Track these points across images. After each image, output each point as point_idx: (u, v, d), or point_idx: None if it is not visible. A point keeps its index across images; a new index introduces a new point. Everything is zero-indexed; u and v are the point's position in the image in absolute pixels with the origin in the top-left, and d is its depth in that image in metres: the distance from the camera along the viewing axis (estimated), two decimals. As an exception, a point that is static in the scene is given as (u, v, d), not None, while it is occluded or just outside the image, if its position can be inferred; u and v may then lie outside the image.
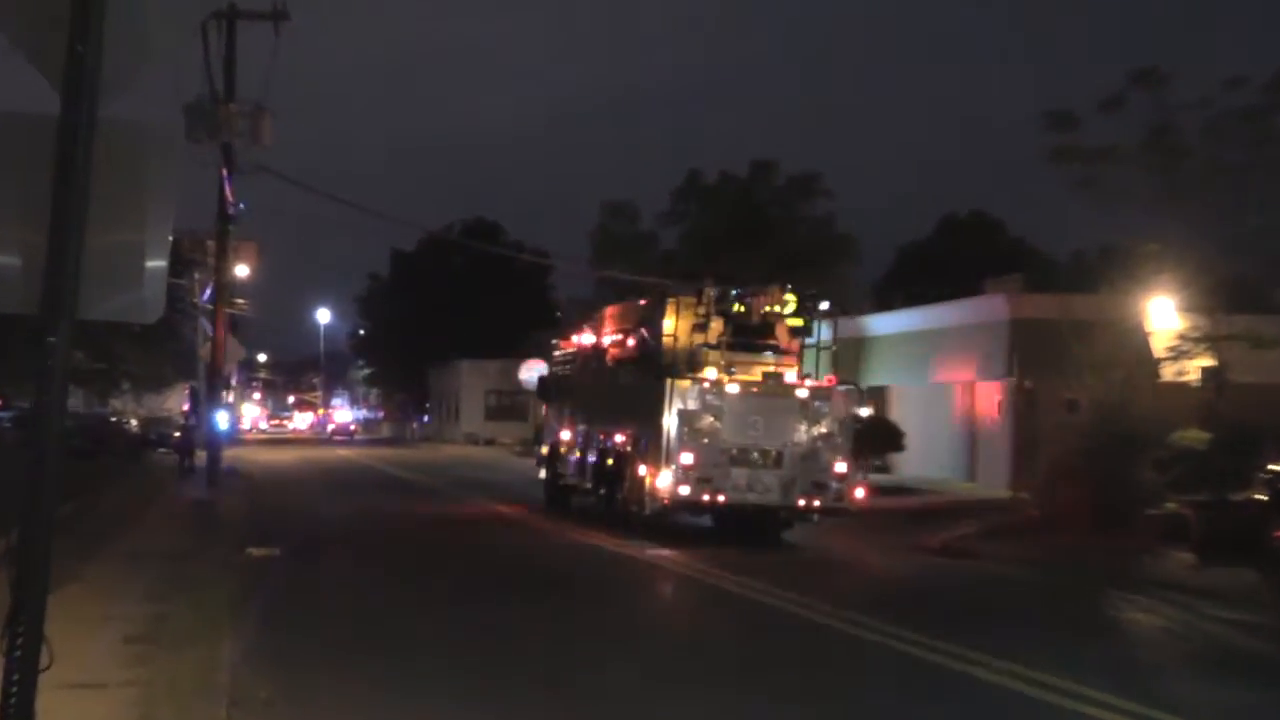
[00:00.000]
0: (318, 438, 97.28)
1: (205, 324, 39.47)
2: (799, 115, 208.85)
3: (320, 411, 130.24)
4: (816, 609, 14.12)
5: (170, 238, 4.75)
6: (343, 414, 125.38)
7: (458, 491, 34.07)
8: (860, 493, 22.13)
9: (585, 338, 27.52)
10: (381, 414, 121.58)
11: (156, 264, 4.68)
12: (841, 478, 21.72)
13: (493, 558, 19.96)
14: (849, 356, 40.60)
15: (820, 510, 21.94)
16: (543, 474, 28.82)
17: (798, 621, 13.69)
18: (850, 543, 22.74)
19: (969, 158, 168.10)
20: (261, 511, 26.34)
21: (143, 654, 9.94)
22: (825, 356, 23.42)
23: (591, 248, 61.50)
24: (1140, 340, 25.69)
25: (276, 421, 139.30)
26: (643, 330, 23.91)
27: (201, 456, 34.07)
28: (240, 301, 59.02)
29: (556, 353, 30.09)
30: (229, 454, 37.68)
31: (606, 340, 25.94)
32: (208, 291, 40.06)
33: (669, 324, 22.90)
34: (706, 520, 23.31)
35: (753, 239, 52.75)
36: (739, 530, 22.35)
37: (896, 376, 39.15)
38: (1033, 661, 11.06)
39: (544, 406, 30.18)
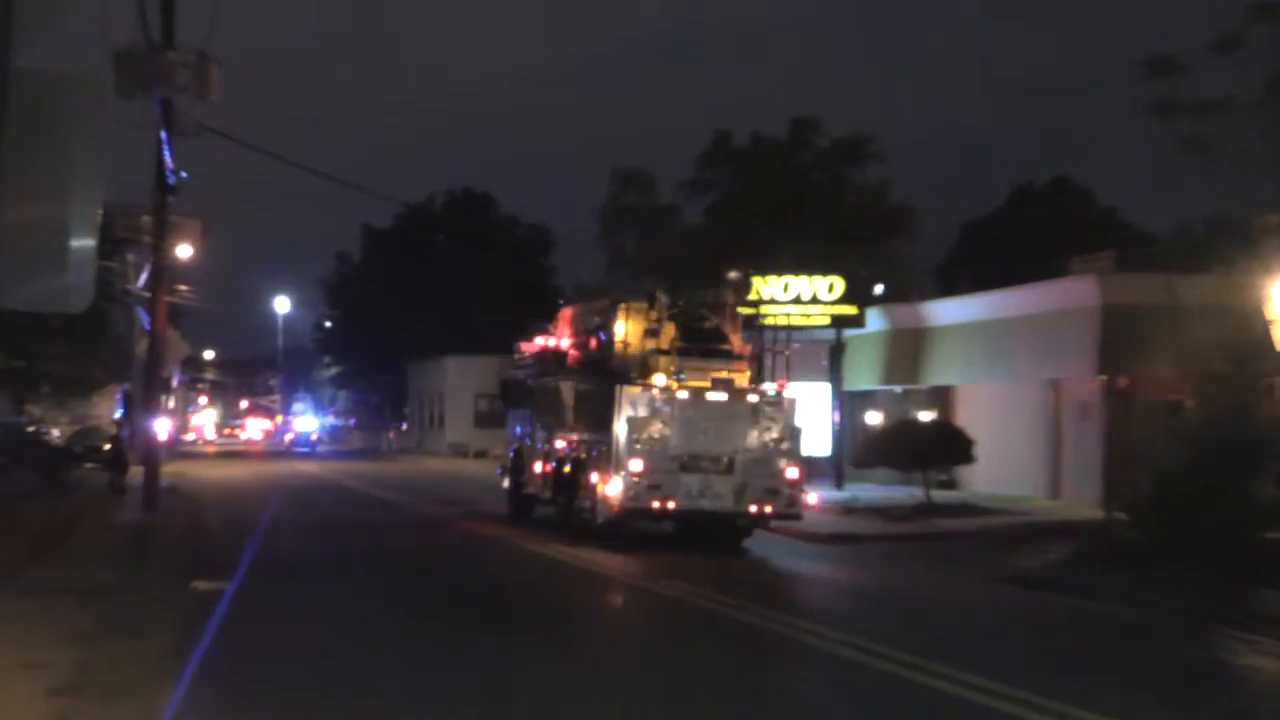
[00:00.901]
0: (276, 449, 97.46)
1: (141, 315, 39.53)
2: (844, 69, 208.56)
3: (279, 419, 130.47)
4: (867, 648, 14.05)
5: (100, 212, 4.68)
6: (305, 421, 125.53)
7: (431, 508, 35.53)
8: (812, 499, 25.89)
9: (546, 341, 30.72)
10: (352, 421, 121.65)
11: (83, 243, 4.61)
12: (794, 483, 24.90)
13: (458, 581, 20.40)
14: (906, 350, 40.67)
15: (772, 516, 24.99)
16: (506, 483, 32.04)
17: (839, 662, 13.64)
18: (907, 570, 22.70)
19: (1050, 116, 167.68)
20: (208, 538, 26.36)
21: (67, 709, 9.93)
22: (780, 361, 27.73)
23: (601, 223, 61.48)
24: (1260, 330, 25.53)
25: (228, 430, 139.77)
26: (597, 335, 27.28)
27: (137, 473, 34.13)
28: (183, 288, 59.21)
29: (518, 356, 33.29)
30: (169, 469, 37.79)
31: (564, 345, 29.39)
32: (144, 276, 40.13)
33: (620, 330, 26.32)
34: (668, 527, 26.08)
35: (792, 211, 52.69)
36: (699, 538, 25.08)
37: (964, 374, 39.08)
38: (1133, 717, 10.97)
39: (508, 413, 33.89)
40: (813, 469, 41.12)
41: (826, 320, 39.43)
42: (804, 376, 40.07)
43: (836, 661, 13.98)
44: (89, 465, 47.25)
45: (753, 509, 24.69)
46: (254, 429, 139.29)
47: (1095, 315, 32.64)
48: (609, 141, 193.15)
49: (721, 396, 25.03)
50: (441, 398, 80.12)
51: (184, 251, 40.20)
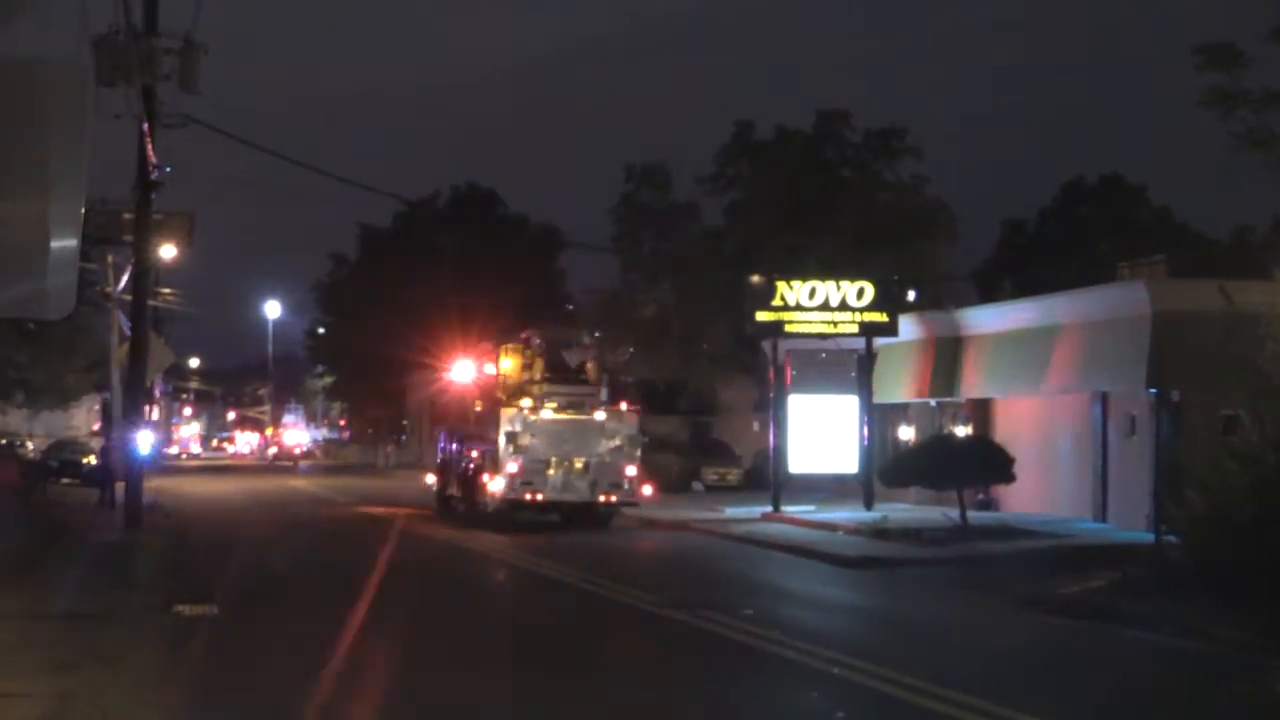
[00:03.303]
0: (265, 464, 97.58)
1: (122, 320, 39.58)
2: (876, 58, 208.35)
3: (269, 431, 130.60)
4: (893, 679, 14.03)
5: (82, 210, 4.61)
6: (295, 434, 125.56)
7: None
8: (648, 490, 37.13)
9: (464, 371, 42.65)
10: (347, 434, 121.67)
11: (64, 244, 4.54)
12: (632, 479, 35.61)
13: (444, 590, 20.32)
14: (941, 361, 40.61)
15: (617, 504, 35.76)
16: (435, 487, 42.37)
17: (863, 693, 13.62)
18: (940, 597, 22.67)
19: (1099, 109, 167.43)
20: (192, 558, 26.40)
21: (44, 742, 9.94)
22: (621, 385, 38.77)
23: (614, 223, 61.49)
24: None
25: (214, 444, 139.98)
26: (489, 368, 39.21)
27: (117, 489, 34.19)
28: (166, 292, 59.45)
29: (444, 384, 46.44)
30: (152, 485, 37.77)
31: (472, 374, 41.34)
32: (125, 279, 40.20)
33: (504, 364, 37.96)
34: (555, 517, 36.05)
35: (819, 210, 52.68)
36: (572, 521, 35.51)
37: (1003, 386, 38.99)
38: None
39: (438, 430, 45.44)
40: (840, 488, 41.38)
41: (855, 328, 39.35)
42: (831, 388, 40.16)
43: (860, 693, 13.96)
44: (66, 481, 47.39)
45: (602, 499, 35.38)
46: (243, 442, 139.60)
47: (1146, 323, 32.54)
48: (621, 135, 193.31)
49: (577, 415, 35.62)
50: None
51: (168, 252, 40.26)
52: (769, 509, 37.92)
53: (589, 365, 37.62)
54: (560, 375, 36.94)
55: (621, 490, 35.42)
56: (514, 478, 34.81)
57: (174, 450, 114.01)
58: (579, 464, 35.09)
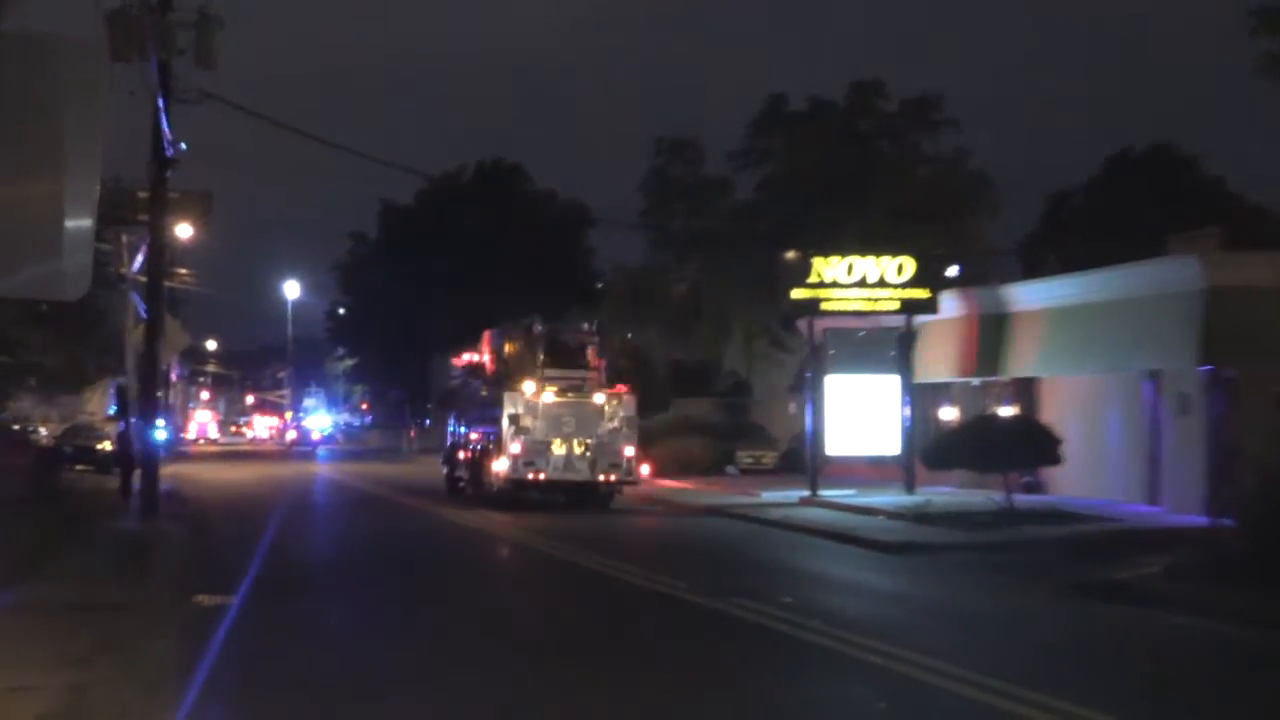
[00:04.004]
0: (284, 449, 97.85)
1: (137, 302, 39.68)
2: (911, 26, 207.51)
3: (289, 415, 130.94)
4: (934, 667, 13.99)
5: (98, 189, 4.60)
6: (317, 418, 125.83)
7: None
8: (645, 469, 41.62)
9: (470, 357, 44.55)
10: (369, 418, 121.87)
11: (79, 224, 4.53)
12: (630, 459, 38.20)
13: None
14: (985, 338, 40.47)
15: (616, 482, 38.25)
16: (444, 470, 46.00)
17: (905, 681, 13.59)
18: (984, 583, 22.61)
19: (1149, 77, 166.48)
20: (211, 547, 26.50)
21: (61, 738, 9.97)
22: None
23: (644, 199, 61.43)
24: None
25: (233, 428, 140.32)
26: (493, 353, 41.54)
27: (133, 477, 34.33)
28: (183, 272, 59.60)
29: (452, 370, 49.05)
30: (169, 472, 37.96)
31: (476, 360, 43.47)
32: (140, 259, 40.31)
33: (508, 350, 40.63)
34: (560, 498, 38.55)
35: (856, 184, 52.55)
36: (573, 501, 38.13)
37: (1049, 364, 38.84)
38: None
39: (447, 415, 48.88)
40: (880, 471, 41.29)
41: (895, 305, 39.25)
42: (870, 368, 40.05)
43: (903, 682, 13.93)
44: (80, 467, 47.54)
45: (602, 478, 37.90)
46: (262, 427, 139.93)
47: (1199, 299, 32.36)
48: (650, 109, 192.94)
49: (577, 397, 38.19)
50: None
51: (184, 231, 40.48)
52: (806, 493, 37.88)
53: (588, 350, 40.28)
54: (560, 360, 39.58)
55: (620, 469, 38.03)
56: (517, 458, 37.41)
57: (191, 435, 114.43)
58: (579, 445, 37.69)
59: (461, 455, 43.59)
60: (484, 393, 41.61)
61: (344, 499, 45.59)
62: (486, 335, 42.91)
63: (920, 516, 31.54)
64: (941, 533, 29.21)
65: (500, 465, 37.93)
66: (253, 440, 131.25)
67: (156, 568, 21.90)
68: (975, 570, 24.30)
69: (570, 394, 38.29)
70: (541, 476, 37.72)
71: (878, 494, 37.24)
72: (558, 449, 37.61)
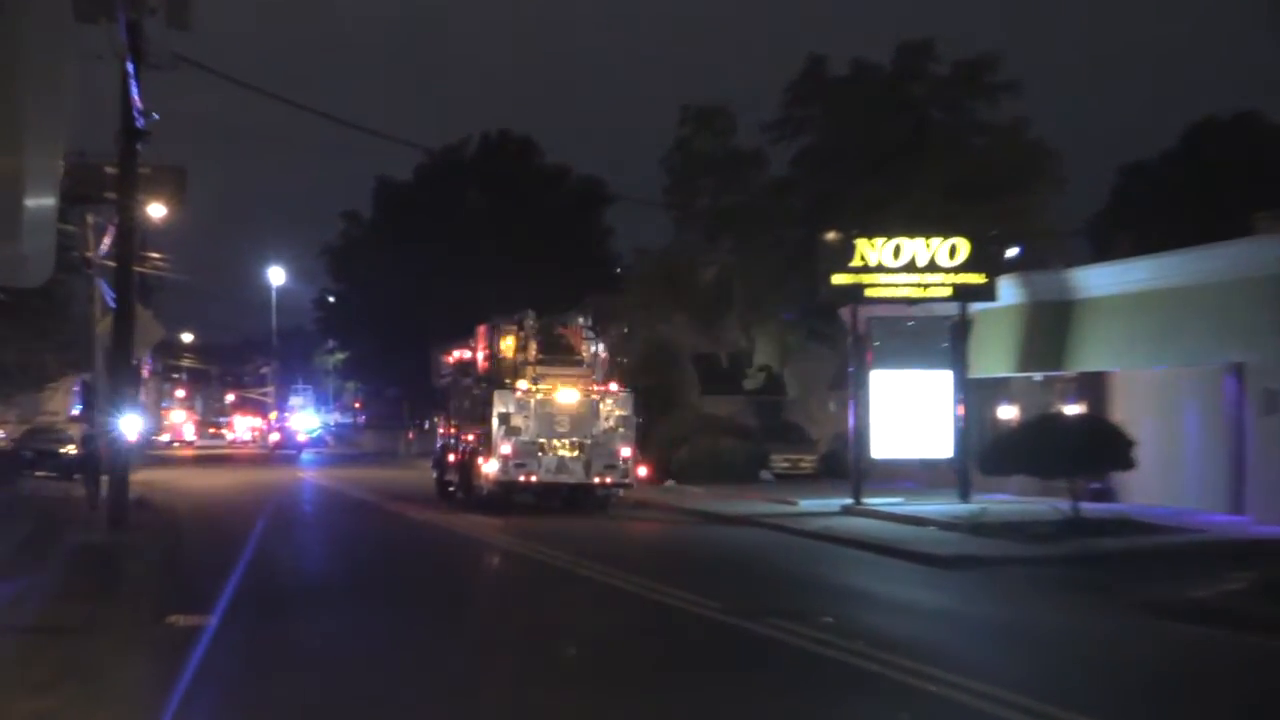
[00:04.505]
0: (268, 453, 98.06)
1: (105, 289, 39.77)
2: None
3: (273, 415, 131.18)
4: (1001, 699, 13.98)
5: (61, 165, 4.62)
6: (304, 419, 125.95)
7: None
8: (642, 470, 43.76)
9: (461, 353, 46.52)
10: (362, 418, 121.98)
11: (41, 203, 4.54)
12: (627, 460, 40.13)
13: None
14: (1048, 328, 40.41)
15: (612, 485, 40.23)
16: (434, 473, 48.08)
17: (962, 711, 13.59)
18: (1047, 601, 22.58)
19: (1234, 36, 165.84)
20: (186, 561, 26.58)
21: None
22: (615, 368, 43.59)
23: (667, 174, 61.37)
24: None
25: (211, 429, 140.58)
26: (485, 349, 43.16)
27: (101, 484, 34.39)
28: (155, 256, 59.65)
29: (442, 367, 50.04)
30: (140, 478, 38.02)
31: (467, 357, 45.37)
32: (107, 242, 40.39)
33: (499, 345, 42.05)
34: (557, 503, 40.58)
35: (904, 156, 52.44)
36: (568, 505, 40.28)
37: (1121, 357, 38.81)
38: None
39: (436, 416, 51.69)
40: (933, 476, 41.28)
41: (948, 292, 39.18)
42: (920, 361, 39.97)
43: (960, 713, 13.93)
44: (41, 474, 47.69)
45: (597, 480, 39.85)
46: (243, 428, 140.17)
47: (1286, 283, 32.36)
48: (674, 75, 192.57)
49: (571, 395, 40.08)
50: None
51: (157, 211, 40.36)
52: (849, 501, 37.89)
53: (583, 346, 42.34)
54: (554, 356, 41.64)
55: (616, 471, 40.04)
56: (507, 460, 39.38)
57: (164, 438, 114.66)
58: (573, 446, 39.71)
59: (452, 457, 45.30)
60: (474, 391, 43.59)
61: (329, 506, 46.55)
62: (480, 330, 44.47)
63: (976, 527, 31.51)
64: (999, 545, 29.18)
65: (490, 467, 39.74)
66: (233, 442, 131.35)
67: (126, 585, 21.96)
68: (1038, 587, 24.26)
69: (564, 392, 40.21)
70: (533, 479, 39.67)
71: (928, 502, 37.24)
72: (550, 450, 39.55)
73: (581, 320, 43.52)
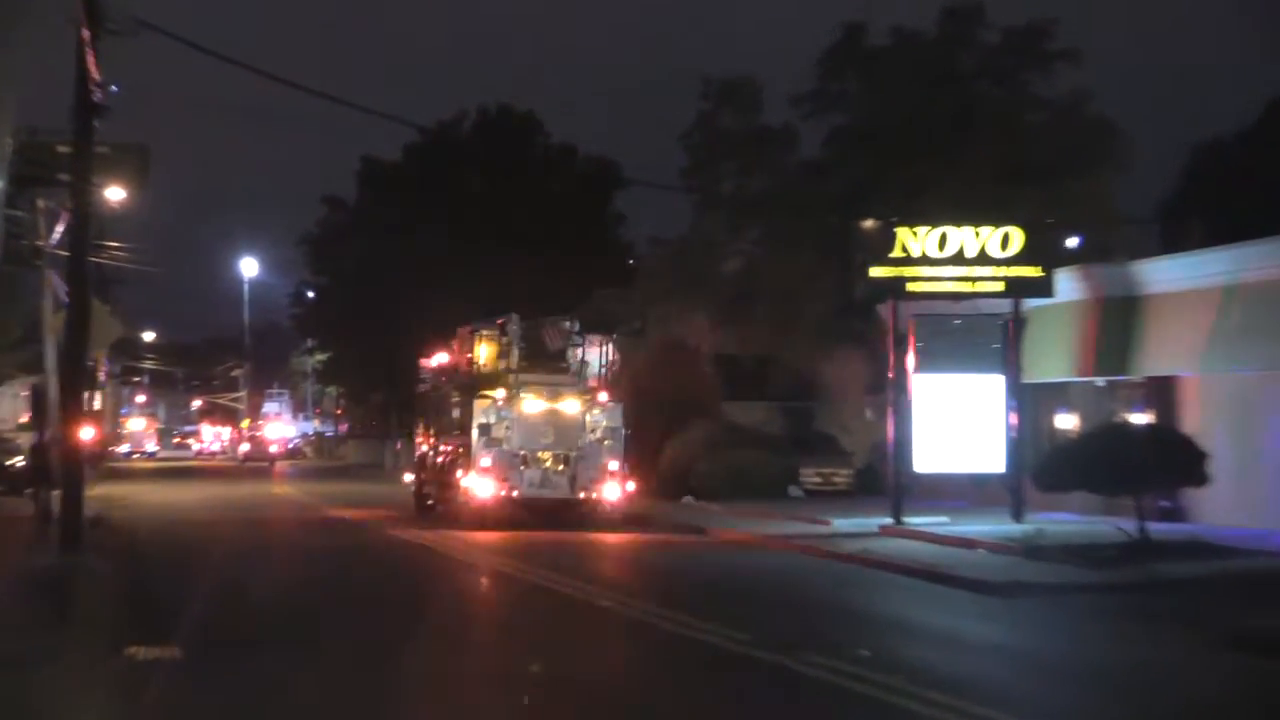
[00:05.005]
0: (239, 466, 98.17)
1: (57, 282, 39.85)
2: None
3: (245, 423, 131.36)
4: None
5: (10, 143, 4.63)
6: (280, 428, 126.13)
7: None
8: (630, 485, 43.65)
9: (440, 358, 49.34)
10: (344, 427, 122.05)
11: None
12: (614, 475, 41.79)
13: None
14: (1112, 327, 40.34)
15: (598, 501, 41.56)
16: (413, 487, 49.83)
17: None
18: (1109, 633, 22.57)
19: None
20: (148, 587, 26.54)
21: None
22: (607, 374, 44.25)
23: (687, 155, 61.36)
24: None
25: (176, 439, 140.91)
26: (465, 354, 45.49)
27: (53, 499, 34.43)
28: (114, 246, 59.71)
29: (420, 372, 52.81)
30: (96, 494, 38.03)
31: (447, 362, 47.98)
32: (59, 229, 40.44)
33: (478, 351, 44.42)
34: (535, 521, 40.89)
35: (951, 134, 52.43)
36: (552, 522, 40.73)
37: (1194, 361, 38.73)
38: None
39: (414, 424, 53.98)
40: (983, 493, 41.22)
41: (1000, 286, 39.05)
42: (968, 364, 39.84)
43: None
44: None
45: (582, 495, 41.61)
46: (212, 437, 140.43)
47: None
48: (692, 43, 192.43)
49: (555, 405, 41.85)
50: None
51: (116, 195, 40.39)
52: (888, 520, 37.92)
53: (570, 352, 43.89)
54: (538, 363, 43.35)
55: (603, 487, 41.77)
56: (487, 473, 41.17)
57: (124, 448, 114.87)
58: (557, 458, 41.68)
59: (430, 468, 47.73)
60: (454, 398, 45.64)
61: (304, 525, 46.23)
62: (460, 333, 46.74)
63: (1031, 550, 31.47)
64: (1057, 570, 29.13)
65: (469, 481, 41.64)
66: (200, 453, 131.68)
67: (80, 613, 21.95)
68: (1100, 617, 24.19)
69: (548, 401, 42.08)
70: (515, 493, 41.41)
71: (977, 522, 37.21)
72: (533, 463, 41.47)
73: (568, 324, 44.71)
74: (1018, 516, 37.47)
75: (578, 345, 43.96)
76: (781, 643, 20.31)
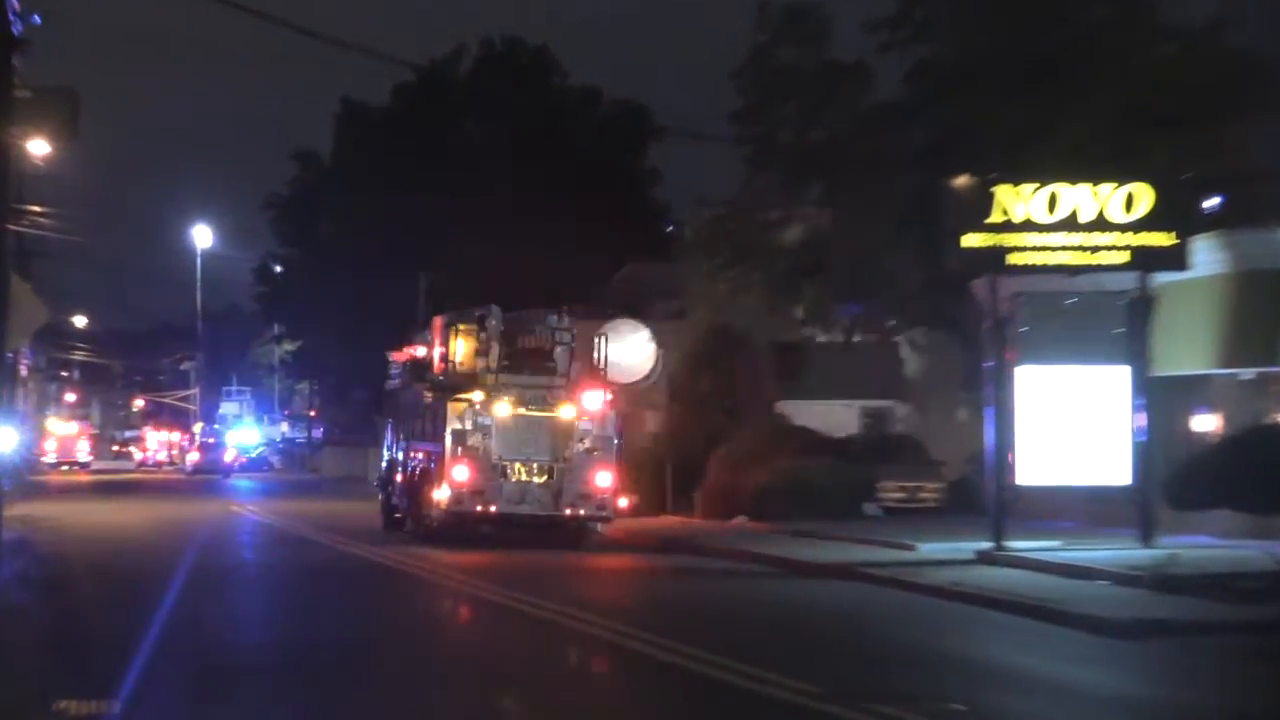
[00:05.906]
0: (190, 479, 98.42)
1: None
2: None
3: (198, 427, 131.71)
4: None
5: None
6: (241, 433, 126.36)
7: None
8: (624, 502, 46.57)
9: (414, 350, 50.82)
10: (319, 431, 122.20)
11: None
12: (604, 490, 43.74)
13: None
14: (1261, 308, 40.16)
15: (585, 518, 44.10)
16: (380, 495, 53.90)
17: None
18: (1262, 683, 22.54)
19: None
20: (82, 627, 26.63)
21: None
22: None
23: (739, 97, 61.19)
24: None
25: (116, 447, 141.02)
26: (440, 349, 46.28)
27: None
28: (36, 210, 59.86)
29: (390, 367, 56.00)
30: (18, 513, 38.13)
31: (420, 355, 49.44)
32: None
33: (453, 348, 45.31)
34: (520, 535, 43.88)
35: (1060, 73, 52.26)
36: (534, 540, 43.16)
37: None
38: None
39: (384, 425, 56.86)
40: (1103, 511, 41.05)
41: (1124, 257, 38.80)
42: (1084, 354, 39.62)
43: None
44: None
45: (568, 512, 43.78)
46: (157, 444, 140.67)
47: None
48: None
49: (540, 411, 44.08)
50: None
51: (39, 148, 40.54)
52: (987, 545, 37.76)
53: (557, 351, 45.99)
54: (520, 363, 45.33)
55: (591, 502, 44.08)
56: (461, 488, 43.48)
57: (51, 458, 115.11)
58: (541, 471, 43.95)
59: (399, 478, 50.73)
60: (426, 399, 47.55)
61: (264, 547, 48.02)
62: (436, 323, 48.23)
63: (1162, 581, 31.40)
64: (1196, 606, 29.10)
65: (441, 494, 43.98)
66: (144, 463, 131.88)
67: (1, 658, 22.01)
68: (1249, 663, 24.15)
69: (532, 406, 44.40)
70: (492, 509, 43.65)
71: (1096, 546, 37.16)
72: (513, 475, 43.72)
73: (555, 320, 46.68)
74: (1146, 540, 37.26)
75: (566, 344, 45.84)
76: (857, 695, 20.32)
